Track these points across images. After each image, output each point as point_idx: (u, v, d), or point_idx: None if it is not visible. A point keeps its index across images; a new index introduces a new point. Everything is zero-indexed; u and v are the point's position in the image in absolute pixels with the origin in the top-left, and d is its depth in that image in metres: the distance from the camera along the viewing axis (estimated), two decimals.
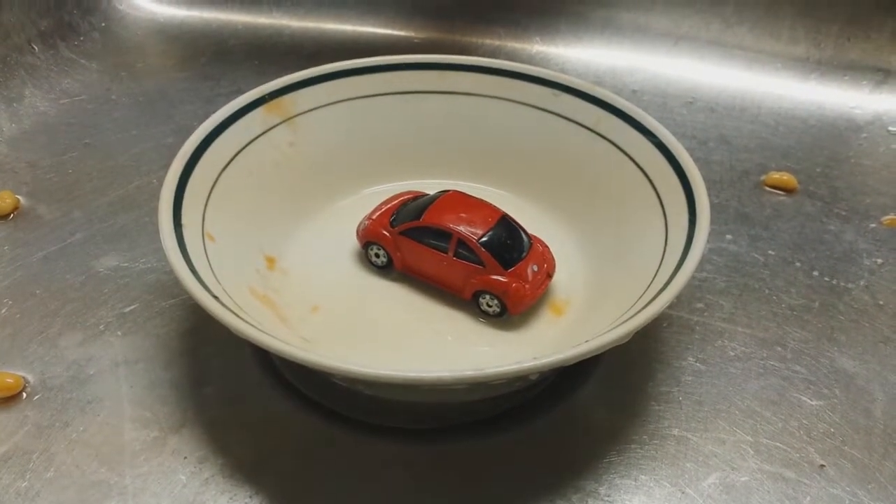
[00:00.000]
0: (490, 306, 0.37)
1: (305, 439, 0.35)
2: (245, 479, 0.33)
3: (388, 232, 0.39)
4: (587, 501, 0.33)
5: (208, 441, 0.34)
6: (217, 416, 0.35)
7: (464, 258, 0.37)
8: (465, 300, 0.38)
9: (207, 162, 0.38)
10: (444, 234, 0.38)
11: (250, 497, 0.33)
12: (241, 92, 0.41)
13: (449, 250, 0.38)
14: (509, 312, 0.37)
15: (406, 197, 0.41)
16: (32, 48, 0.56)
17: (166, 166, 0.37)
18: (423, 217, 0.38)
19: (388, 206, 0.41)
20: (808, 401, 0.37)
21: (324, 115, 0.43)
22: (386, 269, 0.40)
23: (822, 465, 0.34)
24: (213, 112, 0.40)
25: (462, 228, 0.37)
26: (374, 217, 0.40)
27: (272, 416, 0.36)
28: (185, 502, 0.32)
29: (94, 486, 0.33)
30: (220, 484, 0.33)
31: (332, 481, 0.33)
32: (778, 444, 0.35)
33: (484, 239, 0.37)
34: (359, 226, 0.40)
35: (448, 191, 0.40)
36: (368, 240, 0.40)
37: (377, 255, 0.40)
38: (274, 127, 0.42)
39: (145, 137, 0.51)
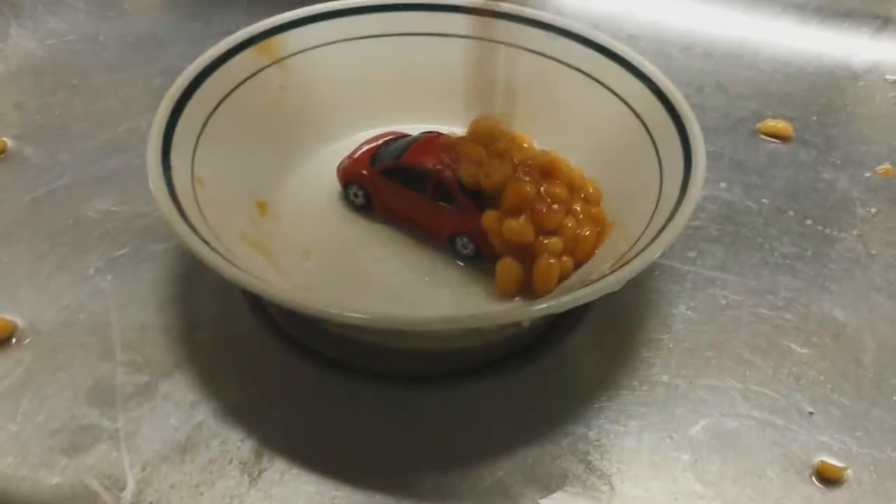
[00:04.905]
0: (466, 248, 0.37)
1: (297, 384, 0.35)
2: (236, 423, 0.33)
3: (367, 171, 0.39)
4: (577, 446, 0.33)
5: (200, 386, 0.34)
6: (209, 360, 0.35)
7: (442, 199, 0.37)
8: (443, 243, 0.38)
9: (196, 104, 0.38)
10: (423, 175, 0.37)
11: (241, 441, 0.33)
12: (230, 32, 0.40)
13: (427, 191, 0.37)
14: (482, 255, 0.37)
15: (389, 137, 0.41)
16: None
17: (155, 108, 0.36)
18: (402, 157, 0.38)
19: (370, 146, 0.40)
20: (798, 349, 0.37)
21: (315, 56, 0.42)
22: (366, 209, 0.39)
23: (811, 413, 0.34)
24: (203, 53, 0.39)
25: (440, 169, 0.37)
26: (355, 157, 0.40)
27: (264, 361, 0.36)
28: (176, 446, 0.32)
29: (85, 430, 0.33)
30: (212, 428, 0.33)
31: (323, 426, 0.34)
32: (767, 391, 0.35)
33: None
34: (339, 164, 0.40)
35: (431, 132, 0.39)
36: (348, 179, 0.39)
37: (356, 196, 0.39)
38: (264, 69, 0.41)
39: (133, 79, 0.50)
